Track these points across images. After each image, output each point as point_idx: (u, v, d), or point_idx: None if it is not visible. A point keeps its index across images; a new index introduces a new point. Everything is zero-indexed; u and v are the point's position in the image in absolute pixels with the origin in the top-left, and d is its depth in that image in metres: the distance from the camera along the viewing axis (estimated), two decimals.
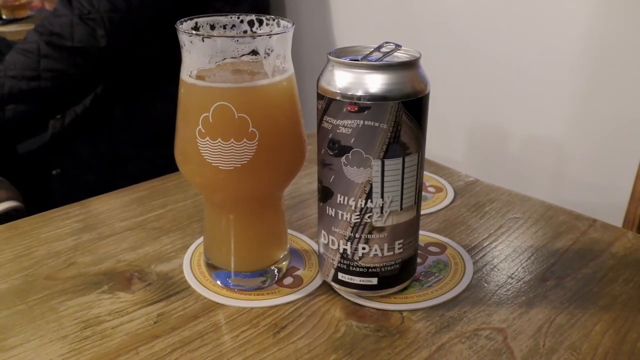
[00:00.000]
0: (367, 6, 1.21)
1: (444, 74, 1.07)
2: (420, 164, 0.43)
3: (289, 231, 0.57)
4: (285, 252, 0.50)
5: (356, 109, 0.40)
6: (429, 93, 0.42)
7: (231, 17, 0.46)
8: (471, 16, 1.01)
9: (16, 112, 0.98)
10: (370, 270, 0.45)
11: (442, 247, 0.54)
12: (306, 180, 0.68)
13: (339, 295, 0.47)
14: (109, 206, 0.63)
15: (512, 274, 0.50)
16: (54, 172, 1.12)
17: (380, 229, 0.43)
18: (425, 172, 0.70)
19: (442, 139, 1.11)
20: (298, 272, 0.51)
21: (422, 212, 0.61)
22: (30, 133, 1.15)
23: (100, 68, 1.02)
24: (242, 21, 0.46)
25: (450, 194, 0.65)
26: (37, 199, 1.15)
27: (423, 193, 0.65)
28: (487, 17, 0.99)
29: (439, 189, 0.66)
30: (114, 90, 1.09)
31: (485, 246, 0.55)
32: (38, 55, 0.95)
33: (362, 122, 0.40)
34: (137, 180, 0.68)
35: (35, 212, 0.62)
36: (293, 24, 0.43)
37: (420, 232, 0.56)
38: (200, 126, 0.41)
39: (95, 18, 0.95)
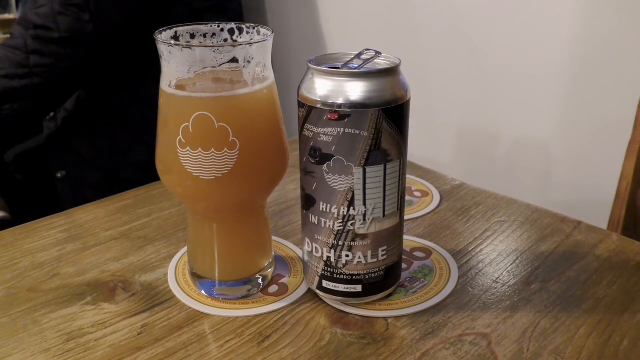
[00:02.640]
0: (353, 12, 1.21)
1: (431, 77, 1.07)
2: (402, 170, 0.43)
3: (275, 238, 0.57)
4: (270, 260, 0.50)
5: (336, 116, 0.40)
6: (409, 99, 0.42)
7: (211, 26, 0.45)
8: (458, 19, 1.02)
9: (13, 111, 0.96)
10: (354, 277, 0.45)
11: (428, 252, 0.54)
12: (292, 187, 0.67)
13: (324, 302, 0.47)
14: (93, 215, 0.63)
15: (497, 278, 0.50)
16: (58, 174, 1.09)
17: (364, 236, 0.43)
18: (411, 177, 0.70)
19: (430, 142, 1.11)
20: (283, 280, 0.50)
21: (408, 216, 0.61)
22: (30, 130, 1.12)
23: (92, 56, 0.98)
24: (222, 30, 0.46)
25: (437, 198, 0.65)
26: (40, 204, 1.13)
27: (409, 198, 0.65)
28: (474, 20, 0.99)
29: (425, 194, 0.66)
30: (104, 79, 1.06)
31: (471, 250, 0.55)
32: (26, 52, 0.92)
33: (342, 129, 0.40)
34: (142, 167, 0.65)
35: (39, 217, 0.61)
36: (272, 32, 0.43)
37: (406, 237, 0.56)
38: (180, 136, 0.41)
39: (78, 3, 0.91)
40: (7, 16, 2.13)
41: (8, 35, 1.07)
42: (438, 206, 0.64)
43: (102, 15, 0.93)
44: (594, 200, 0.87)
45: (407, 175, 0.70)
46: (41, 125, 1.11)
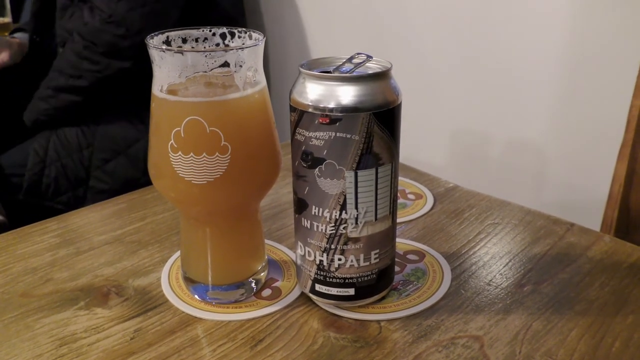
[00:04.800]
0: (347, 16, 1.22)
1: (424, 80, 1.07)
2: (394, 173, 0.43)
3: (268, 242, 0.57)
4: (263, 264, 0.50)
5: (328, 120, 0.40)
6: (400, 103, 0.42)
7: (203, 30, 0.46)
8: (452, 21, 1.02)
9: (69, 102, 1.15)
10: (347, 280, 0.45)
11: (421, 254, 0.55)
12: (286, 190, 0.68)
13: (317, 306, 0.47)
14: (87, 220, 0.63)
15: (490, 280, 0.51)
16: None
17: (356, 240, 0.43)
18: (405, 179, 0.71)
19: (423, 145, 1.12)
20: (277, 284, 0.50)
21: (402, 219, 0.61)
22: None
23: (134, 66, 1.14)
24: (214, 34, 0.46)
25: (430, 201, 0.65)
26: (36, 208, 1.16)
27: (403, 200, 0.65)
28: (468, 21, 0.99)
29: (418, 196, 0.66)
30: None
31: (464, 253, 0.55)
32: (80, 58, 1.12)
33: (334, 133, 0.40)
34: None
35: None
36: (264, 37, 0.43)
37: (399, 239, 0.56)
38: (172, 141, 0.41)
39: (113, 20, 1.10)
40: (2, 20, 2.13)
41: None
42: (431, 209, 0.64)
43: (136, 33, 1.11)
44: (586, 202, 0.88)
45: (401, 178, 0.71)
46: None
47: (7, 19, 2.10)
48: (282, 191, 0.67)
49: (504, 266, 0.53)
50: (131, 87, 1.14)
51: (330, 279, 0.45)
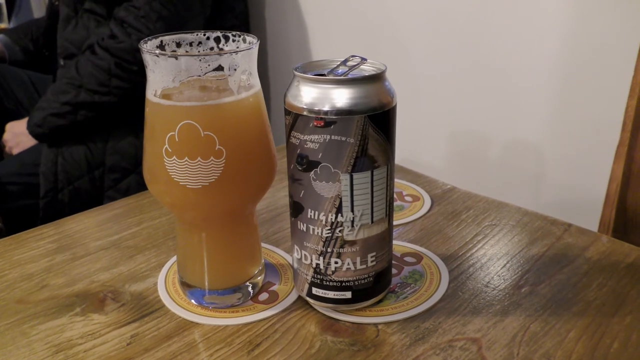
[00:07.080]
0: (342, 18, 1.22)
1: (421, 81, 1.07)
2: (390, 176, 0.43)
3: (265, 245, 0.57)
4: (260, 268, 0.50)
5: (322, 123, 0.40)
6: (395, 105, 0.42)
7: (197, 34, 0.45)
8: (450, 23, 1.02)
9: (85, 117, 1.14)
10: (343, 284, 0.45)
11: (418, 257, 0.54)
12: (282, 194, 0.67)
13: (315, 309, 0.47)
14: (83, 225, 0.62)
15: (488, 282, 0.50)
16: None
17: (352, 243, 0.43)
18: (402, 181, 0.71)
19: (420, 147, 1.12)
20: (274, 287, 0.50)
21: (399, 221, 0.61)
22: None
23: None
24: (208, 38, 0.46)
25: (427, 203, 0.65)
26: (32, 215, 1.16)
27: (400, 202, 0.65)
28: (466, 24, 0.99)
29: (416, 198, 0.66)
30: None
31: (461, 255, 0.55)
32: (109, 74, 1.11)
33: (329, 136, 0.40)
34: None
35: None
36: (258, 40, 0.43)
37: (397, 242, 0.56)
38: (166, 145, 0.41)
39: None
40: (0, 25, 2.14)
41: None
42: (429, 210, 0.64)
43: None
44: (584, 203, 0.87)
45: (398, 180, 0.70)
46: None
47: (4, 24, 2.10)
48: (278, 195, 0.67)
49: (502, 268, 0.52)
50: (136, 101, 1.13)
51: (327, 283, 0.45)
